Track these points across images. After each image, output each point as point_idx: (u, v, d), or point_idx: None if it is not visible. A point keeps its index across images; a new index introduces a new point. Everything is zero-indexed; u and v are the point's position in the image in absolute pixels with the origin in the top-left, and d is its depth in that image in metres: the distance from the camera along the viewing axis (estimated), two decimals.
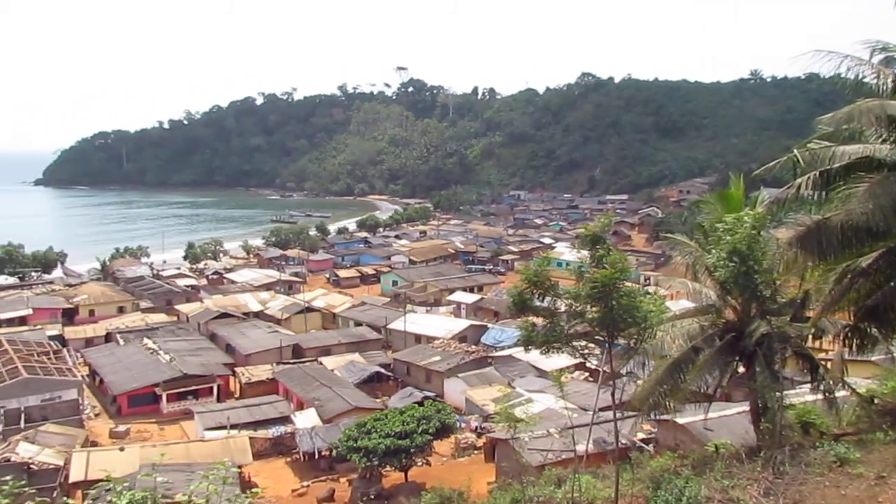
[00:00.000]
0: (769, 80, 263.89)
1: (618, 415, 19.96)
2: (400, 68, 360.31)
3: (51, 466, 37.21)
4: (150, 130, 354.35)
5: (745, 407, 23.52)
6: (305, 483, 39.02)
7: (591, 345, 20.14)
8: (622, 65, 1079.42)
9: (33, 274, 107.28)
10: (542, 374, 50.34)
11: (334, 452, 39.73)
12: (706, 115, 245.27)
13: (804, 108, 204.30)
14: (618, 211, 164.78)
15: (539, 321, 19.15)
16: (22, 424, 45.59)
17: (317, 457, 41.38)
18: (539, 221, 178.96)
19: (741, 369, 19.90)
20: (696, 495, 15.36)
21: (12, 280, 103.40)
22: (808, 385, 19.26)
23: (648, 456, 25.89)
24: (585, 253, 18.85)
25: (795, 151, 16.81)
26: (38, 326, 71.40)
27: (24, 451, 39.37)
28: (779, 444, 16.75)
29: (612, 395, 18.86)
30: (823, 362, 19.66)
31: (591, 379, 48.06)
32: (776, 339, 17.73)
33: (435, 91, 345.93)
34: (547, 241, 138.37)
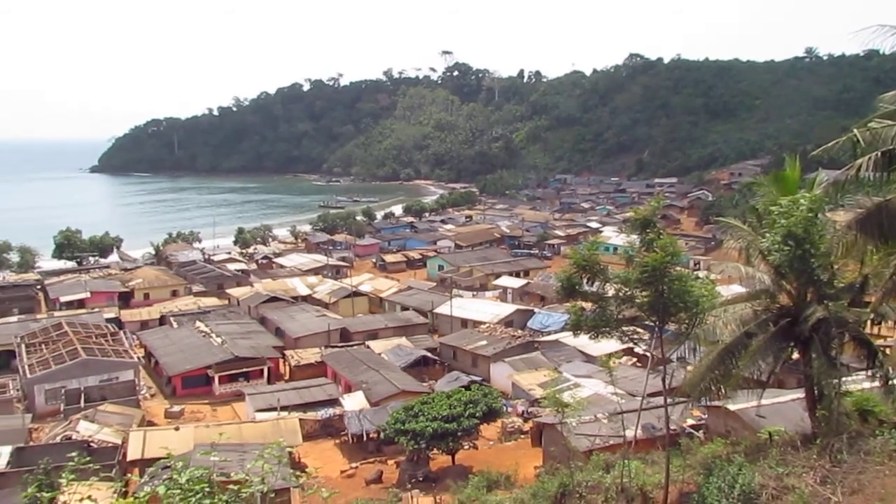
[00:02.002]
0: (825, 57, 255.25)
1: (668, 400, 19.74)
2: (445, 52, 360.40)
3: (109, 444, 38.53)
4: (200, 117, 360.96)
5: (800, 394, 22.98)
6: (354, 464, 39.59)
7: (640, 330, 19.94)
8: (671, 45, 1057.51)
9: (91, 258, 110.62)
10: (589, 359, 49.98)
11: (382, 435, 40.21)
12: (759, 96, 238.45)
13: (862, 86, 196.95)
14: (667, 194, 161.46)
15: (588, 306, 19.05)
16: (82, 404, 47.37)
17: (365, 439, 41.92)
18: (586, 205, 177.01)
19: (795, 355, 19.47)
20: (750, 482, 15.13)
21: (71, 264, 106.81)
22: (866, 372, 18.72)
23: (699, 442, 25.56)
24: (635, 237, 18.66)
25: (855, 131, 16.26)
26: (96, 309, 73.72)
27: (85, 429, 40.89)
28: (836, 431, 16.35)
29: (663, 380, 18.68)
30: (882, 348, 19.10)
31: (639, 364, 47.56)
32: (833, 325, 17.26)
33: (480, 75, 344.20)
34: (594, 225, 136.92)
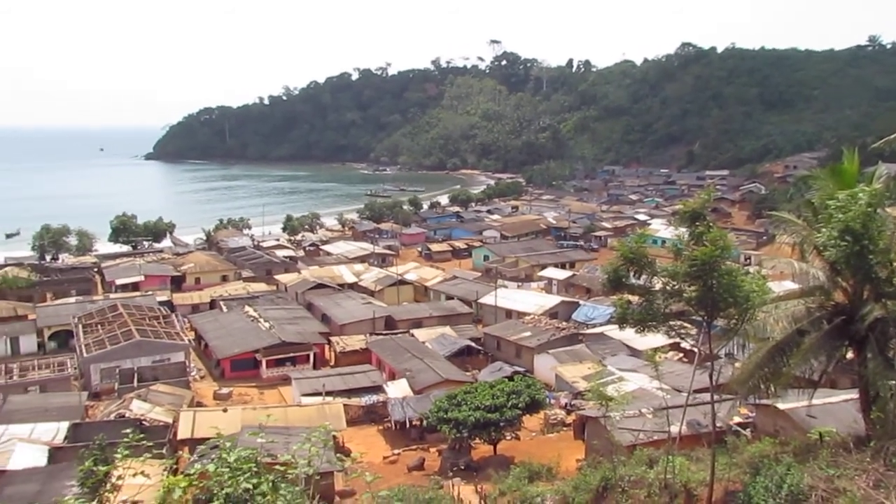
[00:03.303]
0: (889, 46, 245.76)
1: (715, 397, 19.42)
2: (493, 41, 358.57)
3: (161, 423, 39.66)
4: (251, 106, 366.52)
5: (853, 395, 22.33)
6: (396, 451, 39.98)
7: (688, 325, 19.65)
8: (725, 34, 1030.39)
9: (145, 243, 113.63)
10: (634, 352, 49.45)
11: (425, 423, 40.50)
12: (817, 86, 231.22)
13: None
14: (718, 187, 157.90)
15: (634, 299, 18.84)
16: (135, 383, 48.88)
17: (408, 426, 42.28)
18: (634, 197, 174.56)
19: (850, 355, 18.92)
20: (799, 483, 14.81)
21: (126, 248, 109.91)
22: None
23: (746, 441, 25.07)
24: (684, 230, 18.35)
25: None
26: (149, 292, 75.75)
27: (137, 407, 42.18)
28: (891, 434, 15.87)
29: (710, 376, 18.38)
30: None
31: (685, 360, 46.84)
32: (891, 324, 16.72)
33: (528, 64, 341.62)
34: (642, 217, 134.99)
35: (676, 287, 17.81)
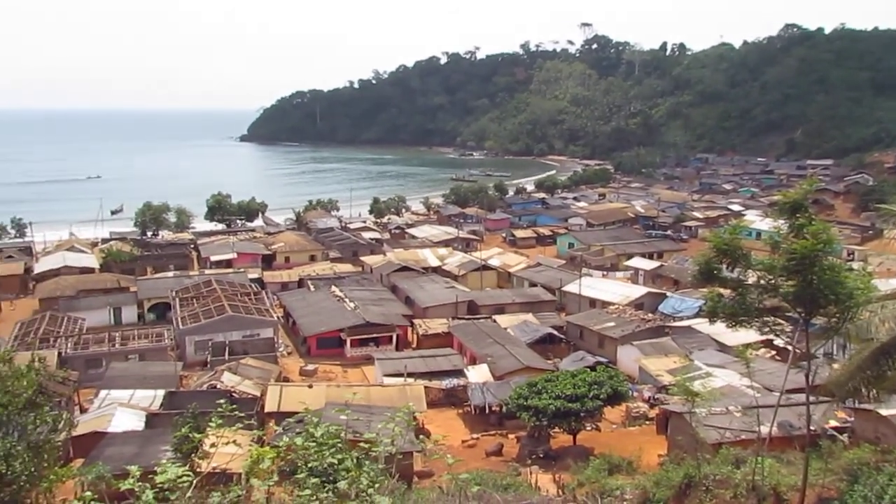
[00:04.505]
0: None
1: (810, 399, 18.55)
2: (584, 24, 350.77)
3: (249, 396, 41.26)
4: (341, 90, 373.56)
5: None
6: (475, 435, 40.18)
7: (783, 321, 18.82)
8: (834, 14, 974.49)
9: (238, 221, 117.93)
10: (723, 348, 47.86)
11: (504, 409, 40.52)
12: None
13: None
14: (820, 177, 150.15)
15: (726, 292, 18.18)
16: (226, 356, 50.95)
17: (487, 411, 42.41)
18: (728, 187, 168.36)
19: None
20: None
21: (221, 227, 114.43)
22: None
23: (842, 446, 23.90)
24: (782, 222, 17.52)
25: None
26: (241, 269, 78.62)
27: (228, 380, 44.00)
28: None
29: (806, 376, 17.55)
30: None
31: (778, 358, 45.00)
32: None
33: (620, 48, 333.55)
34: (736, 207, 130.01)
35: (772, 281, 17.05)
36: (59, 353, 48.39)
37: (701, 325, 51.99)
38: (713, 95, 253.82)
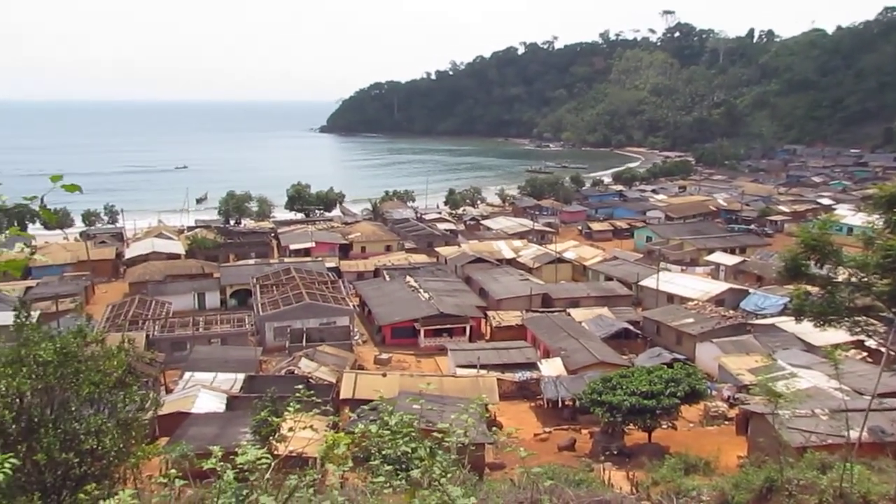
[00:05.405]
0: None
1: None
2: (666, 12, 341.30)
3: (325, 382, 42.17)
4: (418, 81, 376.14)
5: None
6: (547, 429, 39.89)
7: (876, 322, 17.89)
8: None
9: (317, 211, 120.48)
10: (810, 348, 45.97)
11: (577, 403, 40.07)
12: None
13: None
14: None
15: (814, 290, 17.41)
16: (304, 343, 52.21)
17: (560, 405, 42.05)
18: (817, 180, 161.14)
19: None
20: None
21: (300, 216, 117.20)
22: None
23: None
24: (877, 217, 16.62)
25: None
26: (319, 258, 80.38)
27: (305, 366, 45.11)
28: None
29: None
30: None
31: (870, 360, 42.85)
32: None
33: (704, 35, 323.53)
34: (826, 201, 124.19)
35: (865, 279, 16.24)
36: (147, 336, 50.75)
37: (786, 323, 50.00)
38: (803, 84, 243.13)
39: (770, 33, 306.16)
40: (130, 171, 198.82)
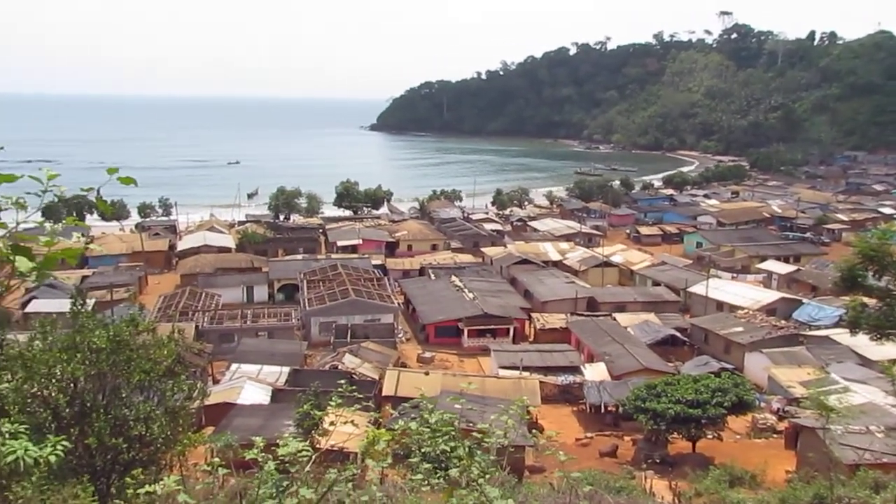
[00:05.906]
0: None
1: None
2: (723, 13, 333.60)
3: (368, 378, 42.49)
4: (469, 81, 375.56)
5: None
6: (589, 434, 39.50)
7: None
8: None
9: (364, 208, 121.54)
10: (865, 362, 44.52)
11: (620, 409, 39.58)
12: None
13: None
14: None
15: (871, 302, 16.84)
16: (348, 338, 52.71)
17: (602, 411, 41.59)
18: (879, 188, 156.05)
19: None
20: None
21: (348, 213, 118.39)
22: None
23: None
24: None
25: None
26: (366, 255, 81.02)
27: (349, 361, 45.53)
28: None
29: None
30: None
31: None
32: None
33: (762, 37, 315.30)
34: (887, 210, 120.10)
35: None
36: (197, 327, 51.91)
37: (840, 335, 48.51)
38: (866, 88, 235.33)
39: (832, 35, 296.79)
40: (184, 165, 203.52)
